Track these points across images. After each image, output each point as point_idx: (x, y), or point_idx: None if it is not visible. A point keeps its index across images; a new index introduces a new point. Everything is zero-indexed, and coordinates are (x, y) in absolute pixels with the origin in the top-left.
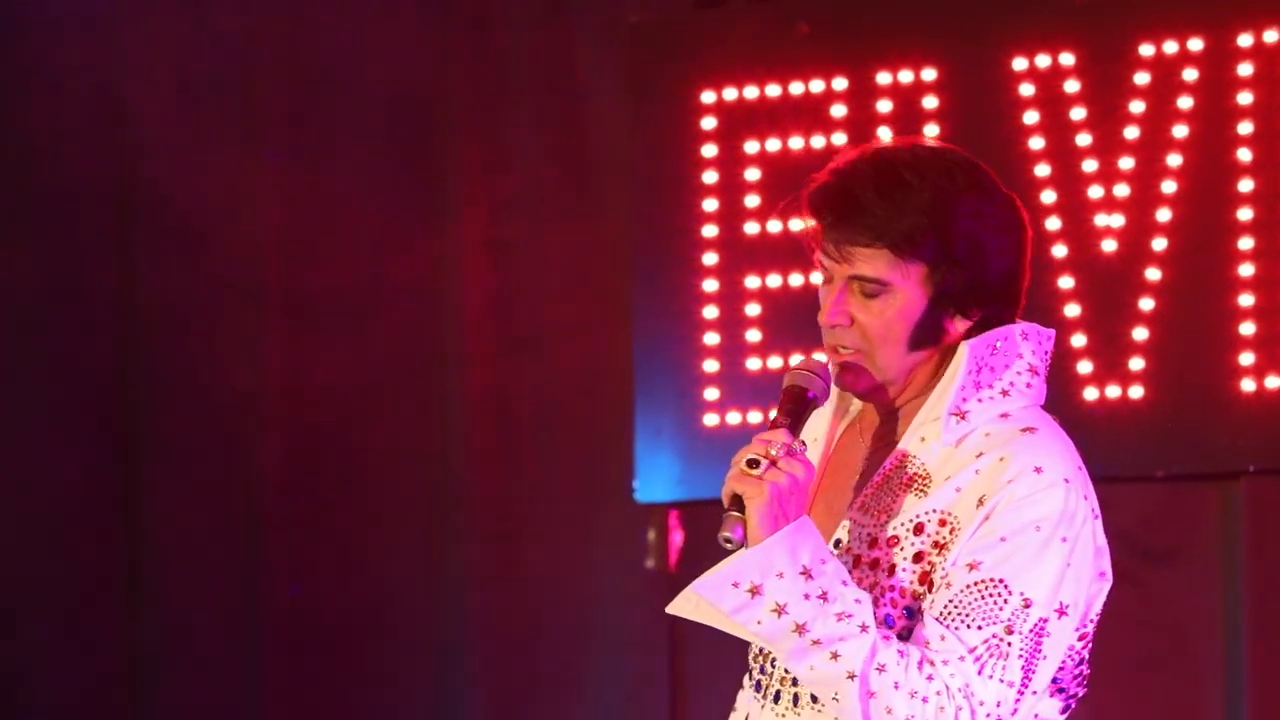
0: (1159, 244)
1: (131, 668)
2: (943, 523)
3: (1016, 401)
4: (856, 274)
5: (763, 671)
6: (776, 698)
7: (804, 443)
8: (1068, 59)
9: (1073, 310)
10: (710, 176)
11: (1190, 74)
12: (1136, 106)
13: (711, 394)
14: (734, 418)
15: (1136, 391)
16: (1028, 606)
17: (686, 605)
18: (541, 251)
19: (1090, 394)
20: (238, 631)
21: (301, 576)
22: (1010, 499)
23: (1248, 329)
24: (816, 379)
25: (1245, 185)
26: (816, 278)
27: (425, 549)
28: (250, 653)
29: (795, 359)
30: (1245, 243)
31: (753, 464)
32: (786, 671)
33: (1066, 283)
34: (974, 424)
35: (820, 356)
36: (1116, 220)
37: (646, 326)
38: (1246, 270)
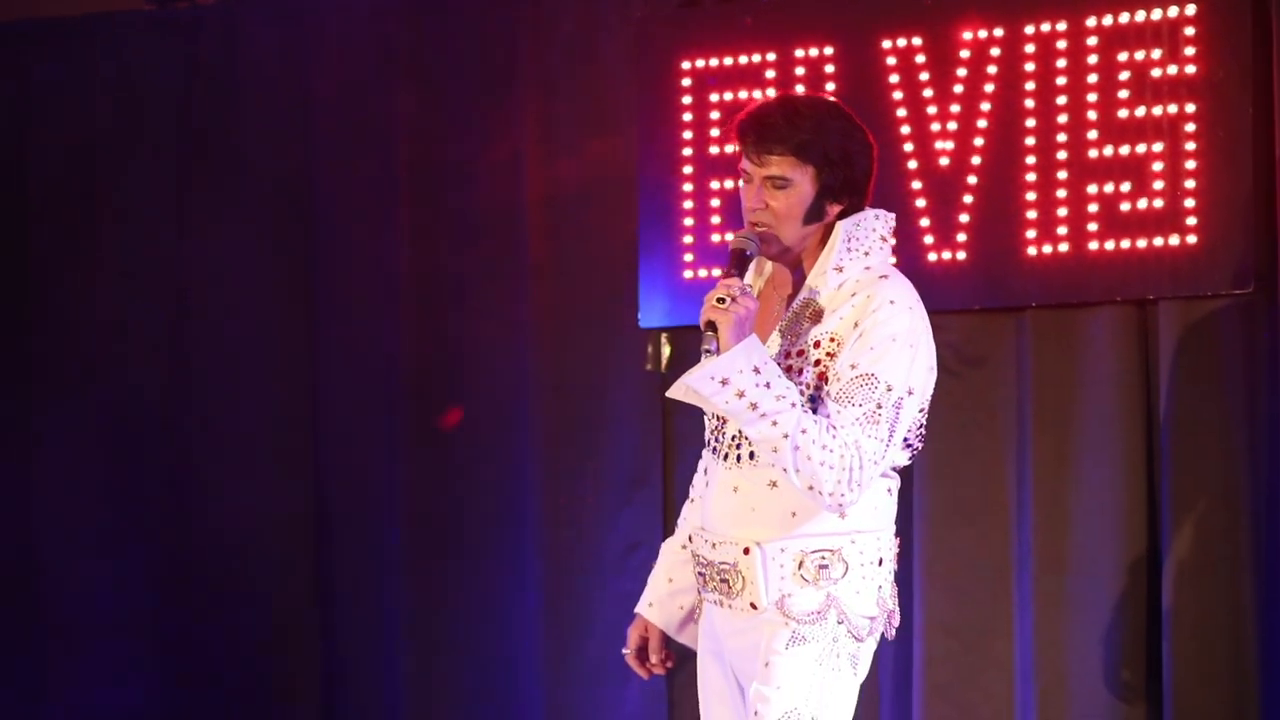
0: (975, 160)
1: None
2: (832, 339)
3: (875, 259)
4: (769, 174)
5: (717, 440)
6: (725, 457)
7: (749, 285)
8: (917, 41)
9: (920, 202)
10: (687, 116)
11: (995, 51)
12: (961, 73)
13: (689, 257)
14: (703, 273)
15: (961, 255)
16: (890, 390)
17: (678, 391)
18: (577, 164)
19: (932, 257)
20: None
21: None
22: (874, 322)
23: (1031, 215)
24: (750, 241)
25: (1030, 123)
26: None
27: (503, 351)
28: None
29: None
30: (1030, 159)
31: (721, 301)
32: (733, 439)
33: (916, 185)
34: (848, 275)
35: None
36: (949, 145)
37: (648, 212)
38: (1030, 177)
